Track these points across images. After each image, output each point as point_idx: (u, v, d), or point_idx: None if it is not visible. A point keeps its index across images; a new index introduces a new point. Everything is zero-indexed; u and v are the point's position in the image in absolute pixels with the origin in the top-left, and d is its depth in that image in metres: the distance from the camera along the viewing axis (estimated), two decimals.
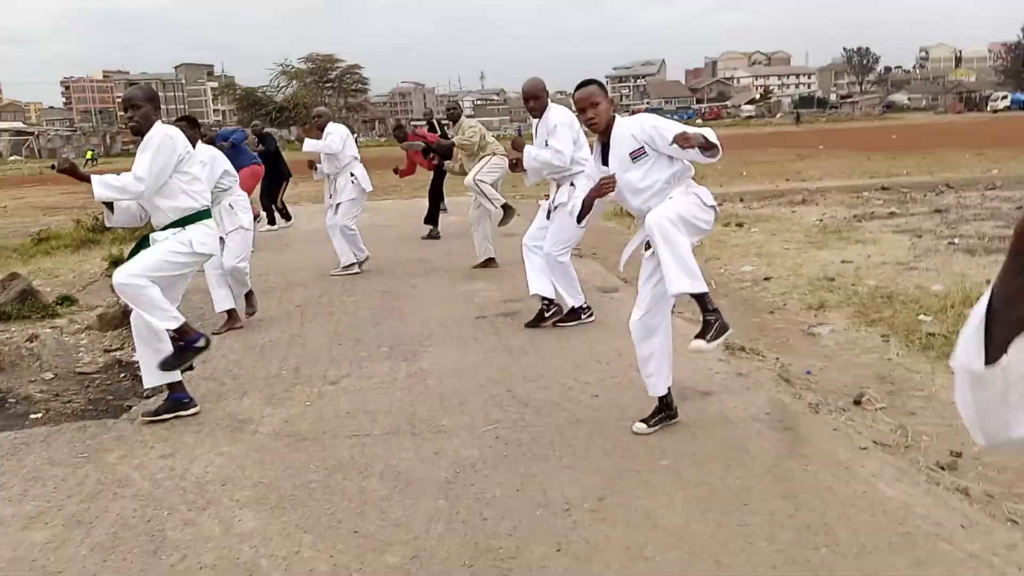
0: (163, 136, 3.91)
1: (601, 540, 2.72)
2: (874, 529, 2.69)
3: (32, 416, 4.31)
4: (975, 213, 10.07)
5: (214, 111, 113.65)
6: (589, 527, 2.81)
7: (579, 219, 4.01)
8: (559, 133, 5.25)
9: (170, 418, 4.03)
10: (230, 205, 6.05)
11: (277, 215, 12.31)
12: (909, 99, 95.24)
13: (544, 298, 5.56)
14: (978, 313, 1.01)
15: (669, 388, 3.65)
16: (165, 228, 4.04)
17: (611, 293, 6.50)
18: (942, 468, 3.15)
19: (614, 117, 3.59)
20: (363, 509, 3.03)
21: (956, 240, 8.11)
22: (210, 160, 5.84)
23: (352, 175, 7.92)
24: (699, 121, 73.57)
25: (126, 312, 4.77)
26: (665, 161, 3.50)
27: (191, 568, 2.69)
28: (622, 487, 3.10)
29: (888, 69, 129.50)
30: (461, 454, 3.48)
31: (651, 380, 3.64)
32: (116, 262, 9.79)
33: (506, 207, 7.56)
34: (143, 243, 4.08)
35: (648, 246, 3.50)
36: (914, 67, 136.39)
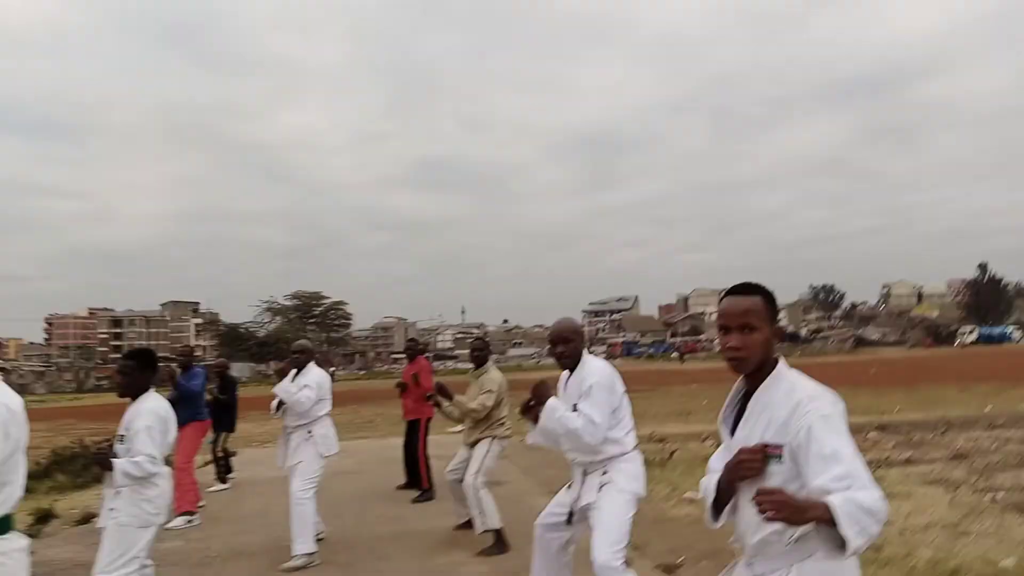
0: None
1: None
2: None
3: None
4: (1001, 460, 9.23)
5: (196, 346, 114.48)
6: None
7: (715, 515, 2.34)
8: (595, 396, 3.82)
9: None
10: None
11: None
12: (880, 334, 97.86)
13: None
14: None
15: None
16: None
17: None
18: None
19: (779, 369, 2.21)
20: None
21: (998, 495, 7.19)
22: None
23: (309, 432, 6.25)
24: (675, 354, 74.21)
25: None
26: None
27: None
28: None
29: (854, 305, 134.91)
30: None
31: None
32: (45, 516, 8.59)
33: (498, 536, 5.99)
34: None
35: None
36: (877, 302, 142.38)
